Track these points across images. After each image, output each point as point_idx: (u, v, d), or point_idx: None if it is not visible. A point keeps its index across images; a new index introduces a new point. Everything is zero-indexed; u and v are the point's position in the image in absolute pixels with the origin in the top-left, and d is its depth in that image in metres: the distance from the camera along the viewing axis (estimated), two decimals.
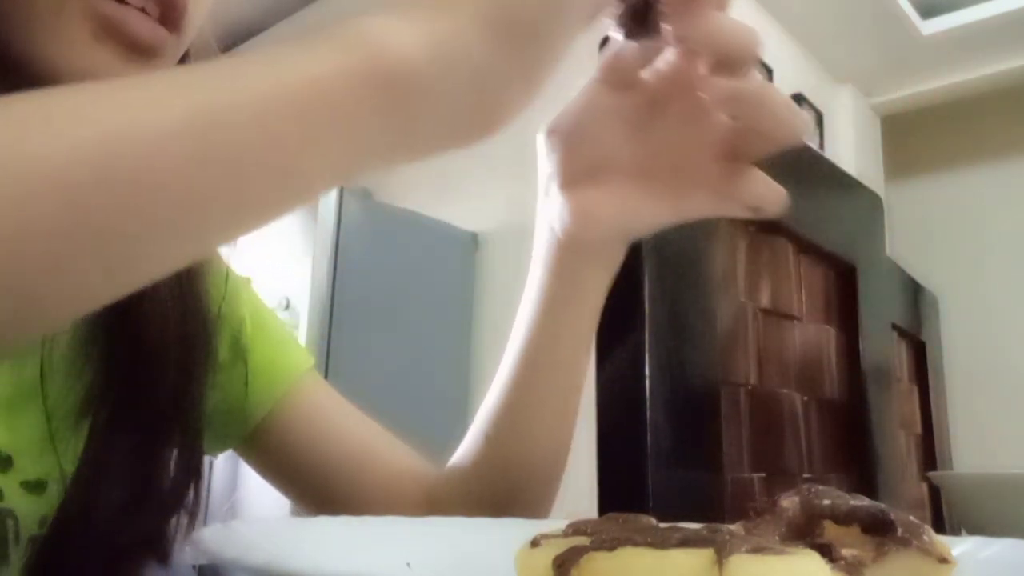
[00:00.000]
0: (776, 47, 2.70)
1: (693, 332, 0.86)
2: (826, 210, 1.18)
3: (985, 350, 2.75)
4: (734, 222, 0.96)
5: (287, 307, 2.13)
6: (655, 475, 0.75)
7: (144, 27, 0.41)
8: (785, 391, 1.04)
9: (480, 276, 2.44)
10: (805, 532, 0.26)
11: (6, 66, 0.40)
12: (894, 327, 1.44)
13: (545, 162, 0.47)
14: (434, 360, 2.31)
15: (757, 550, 0.20)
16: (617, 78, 0.45)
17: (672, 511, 0.35)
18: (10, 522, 0.43)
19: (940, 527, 0.81)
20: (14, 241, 0.23)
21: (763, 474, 0.95)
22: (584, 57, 0.46)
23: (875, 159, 3.19)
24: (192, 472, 0.52)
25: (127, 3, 0.41)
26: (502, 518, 0.39)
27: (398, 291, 2.27)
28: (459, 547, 0.34)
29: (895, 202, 2.78)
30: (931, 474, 0.92)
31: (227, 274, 0.57)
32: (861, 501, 0.26)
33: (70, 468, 0.46)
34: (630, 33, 0.42)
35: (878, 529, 0.24)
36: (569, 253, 0.48)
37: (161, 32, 0.42)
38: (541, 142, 0.47)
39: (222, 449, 0.59)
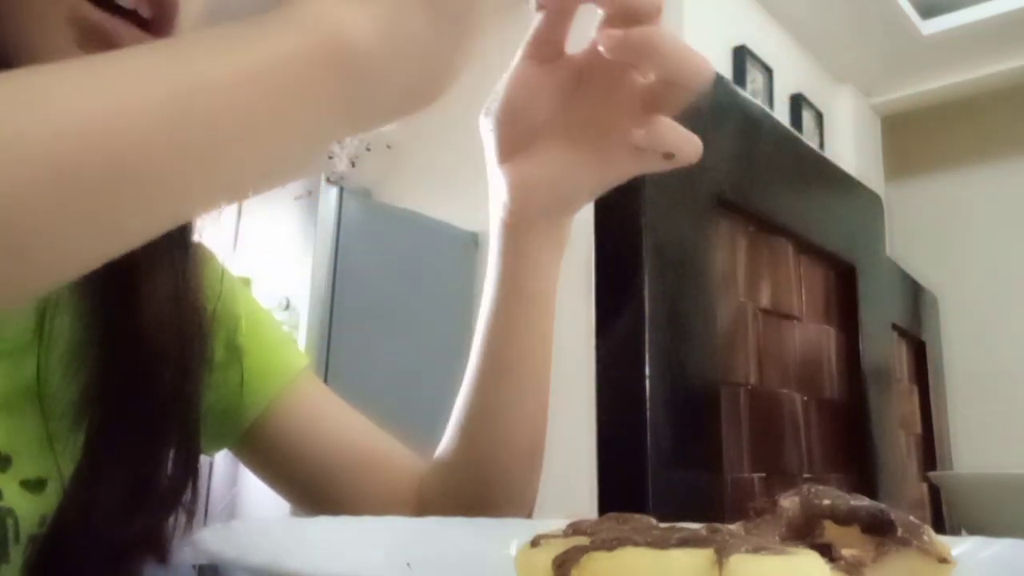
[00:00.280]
0: (776, 47, 2.70)
1: (693, 332, 0.86)
2: (826, 210, 1.18)
3: (985, 350, 2.75)
4: (734, 222, 0.96)
5: (287, 307, 2.12)
6: (655, 475, 0.75)
7: (129, 35, 0.41)
8: (785, 391, 1.04)
9: (480, 276, 2.42)
10: (805, 532, 0.26)
11: None
12: (894, 327, 1.44)
13: (486, 143, 0.49)
14: (434, 360, 2.31)
15: (757, 550, 0.20)
16: (542, 52, 0.46)
17: (672, 511, 0.35)
18: (10, 521, 0.43)
19: (940, 527, 0.81)
20: (5, 209, 0.24)
21: (763, 474, 0.95)
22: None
23: (875, 159, 3.19)
24: (190, 471, 0.52)
25: (119, 6, 0.40)
26: (503, 518, 0.39)
27: (398, 291, 2.27)
28: (459, 547, 0.34)
29: (895, 202, 2.79)
30: (931, 474, 0.92)
31: (223, 274, 0.57)
32: (861, 501, 0.26)
33: (69, 467, 0.46)
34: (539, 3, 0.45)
35: (878, 529, 0.24)
36: (515, 232, 0.50)
37: (146, 40, 0.41)
38: (482, 124, 0.49)
39: (217, 449, 0.59)
